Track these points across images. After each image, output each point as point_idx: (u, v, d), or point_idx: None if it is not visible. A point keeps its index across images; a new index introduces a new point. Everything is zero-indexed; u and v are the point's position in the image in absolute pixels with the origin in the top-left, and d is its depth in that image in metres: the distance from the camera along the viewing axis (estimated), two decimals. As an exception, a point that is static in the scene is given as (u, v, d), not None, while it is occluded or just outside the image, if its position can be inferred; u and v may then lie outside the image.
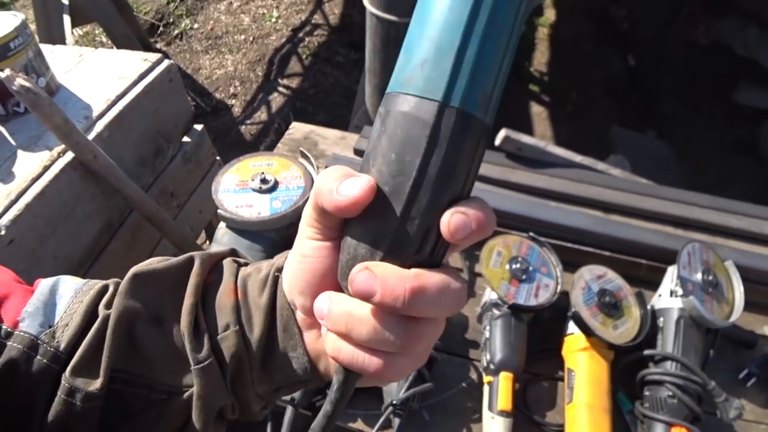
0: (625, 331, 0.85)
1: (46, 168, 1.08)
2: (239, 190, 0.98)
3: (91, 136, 1.15)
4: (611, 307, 0.85)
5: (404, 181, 0.28)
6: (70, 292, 0.37)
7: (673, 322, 0.86)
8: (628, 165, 1.52)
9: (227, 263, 0.38)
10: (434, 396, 0.83)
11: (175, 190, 1.41)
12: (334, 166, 0.30)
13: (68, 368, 0.33)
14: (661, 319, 0.87)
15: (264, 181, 0.97)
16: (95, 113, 1.21)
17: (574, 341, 0.85)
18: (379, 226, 0.29)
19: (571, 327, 0.86)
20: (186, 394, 0.34)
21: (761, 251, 1.12)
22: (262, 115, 2.69)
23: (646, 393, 0.84)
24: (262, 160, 1.03)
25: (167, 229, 1.26)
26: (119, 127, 1.22)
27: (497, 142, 1.13)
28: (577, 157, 1.14)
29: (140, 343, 0.34)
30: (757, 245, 1.13)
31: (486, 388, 0.82)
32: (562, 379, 0.87)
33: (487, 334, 0.84)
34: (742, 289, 0.91)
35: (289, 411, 0.81)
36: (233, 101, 2.77)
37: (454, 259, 1.00)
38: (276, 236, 0.93)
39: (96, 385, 0.33)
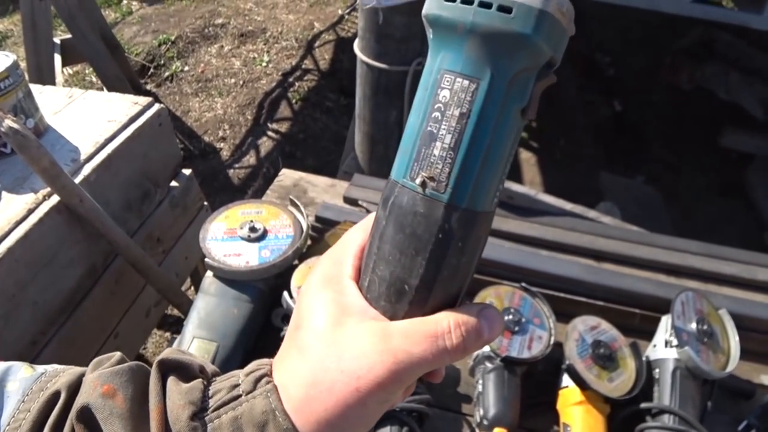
0: (620, 383, 0.84)
1: (31, 211, 1.07)
2: (227, 238, 0.97)
3: (78, 180, 1.15)
4: (606, 359, 0.85)
5: (410, 277, 0.30)
6: (18, 394, 0.33)
7: (669, 374, 0.85)
8: (618, 212, 1.54)
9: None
10: (427, 453, 0.81)
11: (162, 236, 1.40)
12: None
13: None
14: (657, 370, 0.87)
15: (253, 229, 0.97)
16: (83, 156, 1.21)
17: (569, 395, 0.84)
18: None
19: (566, 380, 0.85)
20: None
21: (754, 298, 1.13)
22: (250, 159, 2.71)
23: (645, 448, 0.82)
24: (251, 208, 1.04)
25: (152, 275, 1.24)
26: (107, 170, 1.23)
27: (488, 189, 1.14)
28: (568, 205, 1.16)
29: None
30: (750, 291, 1.14)
31: (480, 446, 0.80)
32: (558, 434, 0.86)
33: (480, 388, 0.83)
34: (737, 338, 0.92)
35: None
36: (222, 144, 2.80)
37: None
38: (264, 286, 0.93)
39: None
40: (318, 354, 0.31)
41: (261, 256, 0.94)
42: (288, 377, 0.31)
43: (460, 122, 0.29)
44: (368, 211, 1.12)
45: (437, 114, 0.30)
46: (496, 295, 0.90)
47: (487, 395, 0.81)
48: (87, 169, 1.18)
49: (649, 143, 2.72)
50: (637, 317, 0.98)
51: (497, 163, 0.30)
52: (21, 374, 0.34)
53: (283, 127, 2.88)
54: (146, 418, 0.31)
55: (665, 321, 0.91)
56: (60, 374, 0.34)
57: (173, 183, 1.46)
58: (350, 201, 1.15)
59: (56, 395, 0.33)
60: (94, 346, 1.25)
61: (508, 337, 0.85)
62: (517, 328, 0.86)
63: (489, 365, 0.84)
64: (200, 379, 0.33)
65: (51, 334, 1.14)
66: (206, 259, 0.93)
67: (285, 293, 0.88)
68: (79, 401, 0.31)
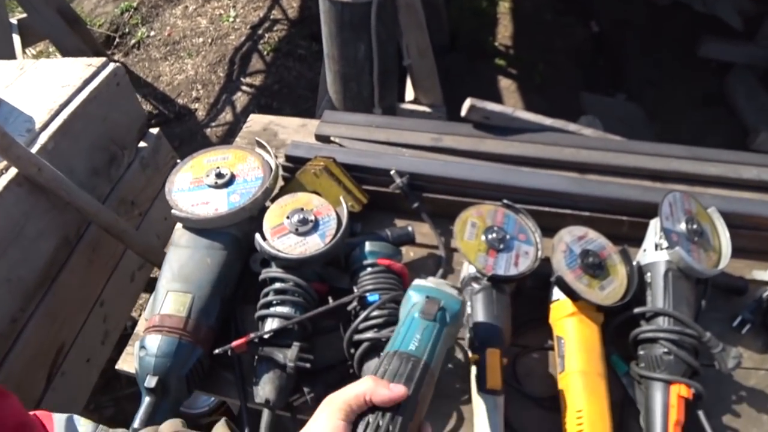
0: (612, 291, 0.80)
1: None
2: (194, 187, 0.91)
3: (34, 149, 1.07)
4: (595, 267, 0.80)
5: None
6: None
7: (661, 276, 0.81)
8: (600, 124, 1.47)
9: None
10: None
11: (136, 199, 1.33)
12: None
13: None
14: (649, 274, 0.82)
15: (219, 175, 0.91)
16: (38, 125, 1.13)
17: (560, 307, 0.80)
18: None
19: (556, 293, 0.81)
20: None
21: (741, 196, 1.08)
22: (227, 116, 2.60)
23: (641, 352, 0.79)
24: (217, 155, 0.96)
25: (129, 239, 1.18)
26: (65, 137, 1.15)
27: (463, 112, 1.07)
28: (547, 120, 1.09)
29: None
30: (737, 190, 1.10)
31: (473, 368, 0.76)
32: (552, 348, 0.82)
33: (468, 310, 0.79)
34: (728, 234, 0.87)
35: (265, 414, 0.75)
36: (197, 105, 2.68)
37: (430, 236, 0.95)
38: (237, 231, 0.87)
39: None
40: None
41: (230, 201, 0.88)
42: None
43: None
44: (341, 146, 1.05)
45: None
46: (477, 215, 0.84)
47: (476, 316, 0.77)
48: (43, 138, 1.11)
49: (629, 61, 2.62)
50: (625, 224, 0.93)
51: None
52: (82, 421, 0.43)
53: (257, 80, 2.75)
54: None
55: (654, 224, 0.86)
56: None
57: (141, 144, 1.38)
58: (322, 138, 1.08)
59: None
60: (80, 317, 1.20)
61: (494, 256, 0.81)
62: (501, 246, 0.81)
63: (476, 286, 0.79)
64: None
65: (31, 311, 1.09)
66: (173, 211, 0.87)
67: (257, 236, 0.82)
68: None
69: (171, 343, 0.75)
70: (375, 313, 0.75)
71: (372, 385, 0.47)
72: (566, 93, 2.36)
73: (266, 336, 0.77)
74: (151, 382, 0.71)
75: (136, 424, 0.68)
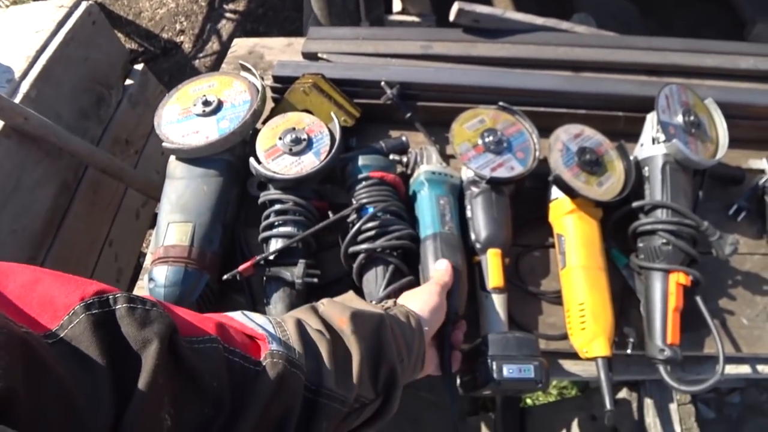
0: (610, 186, 0.79)
1: None
2: (183, 118, 0.87)
3: (17, 99, 1.03)
4: (593, 164, 0.79)
5: None
6: (268, 323, 0.44)
7: (659, 169, 0.79)
8: (593, 22, 1.39)
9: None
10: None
11: (129, 137, 1.30)
12: None
13: (331, 383, 0.42)
14: (646, 168, 0.81)
15: (206, 103, 0.87)
16: (17, 74, 1.08)
17: (559, 206, 0.79)
18: None
19: (555, 192, 0.79)
20: (371, 404, 0.47)
21: (738, 86, 1.04)
22: (213, 45, 2.49)
23: (640, 244, 0.79)
24: (202, 83, 0.92)
25: (127, 177, 1.16)
26: (47, 83, 1.10)
27: (451, 17, 1.01)
28: (539, 20, 1.03)
29: (362, 371, 0.46)
30: (734, 81, 1.06)
31: (476, 269, 0.76)
32: (553, 246, 0.82)
33: (468, 213, 0.78)
34: (725, 125, 0.85)
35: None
36: (182, 38, 2.56)
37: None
38: (231, 157, 0.84)
39: (352, 394, 0.44)
40: (413, 292, 0.66)
41: (220, 128, 0.84)
42: (405, 301, 0.63)
43: None
44: (328, 62, 1.00)
45: None
46: (491, 116, 0.82)
47: (477, 219, 0.76)
48: (25, 86, 1.06)
49: None
50: (622, 120, 0.90)
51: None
52: (254, 315, 0.45)
53: (241, 5, 2.61)
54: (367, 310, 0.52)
55: (651, 118, 0.84)
56: (279, 317, 0.47)
57: (127, 81, 1.33)
58: (309, 56, 1.03)
59: (299, 321, 0.45)
60: (91, 259, 1.21)
61: (479, 152, 0.79)
62: (493, 148, 0.79)
63: (475, 189, 0.78)
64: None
65: (41, 259, 1.09)
66: (164, 144, 0.84)
67: (252, 159, 0.80)
68: (346, 311, 0.49)
69: (177, 272, 0.74)
70: (369, 225, 0.74)
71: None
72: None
73: (272, 257, 0.76)
74: (163, 311, 0.72)
75: None
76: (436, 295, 0.63)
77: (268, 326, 0.42)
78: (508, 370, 0.63)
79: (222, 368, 0.35)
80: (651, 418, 0.83)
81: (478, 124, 0.82)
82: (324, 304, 0.51)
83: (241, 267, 0.74)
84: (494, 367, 0.63)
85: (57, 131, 1.05)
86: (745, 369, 0.82)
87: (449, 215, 0.77)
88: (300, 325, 0.44)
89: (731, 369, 0.81)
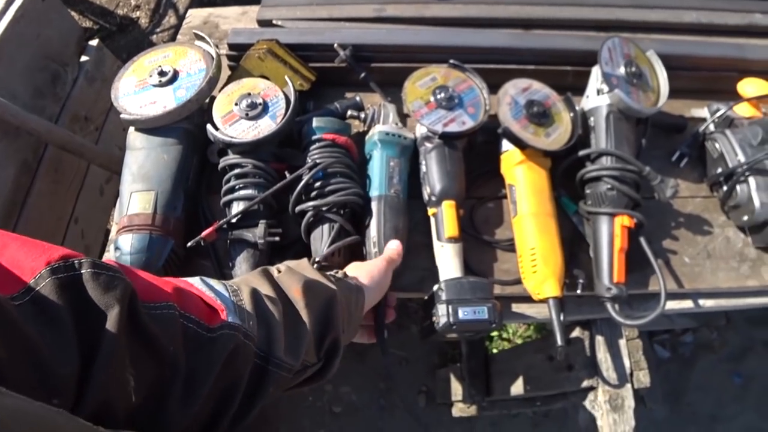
0: (557, 137, 0.81)
1: None
2: (140, 90, 0.86)
3: None
4: (540, 116, 0.81)
5: None
6: (224, 290, 0.44)
7: (603, 119, 0.82)
8: None
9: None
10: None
11: (89, 114, 1.27)
12: None
13: (281, 352, 0.43)
14: (592, 118, 0.83)
15: (162, 73, 0.85)
16: (-32, 54, 1.04)
17: (509, 157, 0.81)
18: None
19: (505, 144, 0.81)
20: (312, 367, 0.50)
21: (683, 39, 1.07)
22: (170, 19, 2.41)
23: (587, 191, 0.82)
24: (158, 54, 0.90)
25: (89, 154, 1.14)
26: (-1, 62, 1.06)
27: (403, -21, 1.01)
28: (490, -22, 1.03)
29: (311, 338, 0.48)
30: (678, 35, 1.08)
31: (432, 221, 0.78)
32: (505, 197, 0.84)
33: (423, 168, 0.80)
34: (665, 75, 0.87)
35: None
36: (138, 13, 2.47)
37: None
38: (189, 125, 0.84)
39: (298, 363, 0.45)
40: (360, 264, 0.68)
41: (177, 97, 0.83)
42: (353, 271, 0.64)
43: None
44: (283, 28, 0.99)
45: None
46: (443, 74, 0.83)
47: (431, 173, 0.78)
48: None
49: None
50: (570, 74, 0.92)
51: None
52: (212, 281, 0.45)
53: (196, -22, 2.53)
54: (321, 282, 0.54)
55: (595, 71, 0.86)
56: (235, 283, 0.47)
57: (83, 58, 1.29)
58: (264, 23, 1.02)
59: (254, 290, 0.46)
60: (57, 237, 1.19)
61: (431, 109, 0.80)
62: (445, 104, 0.80)
63: (429, 145, 0.79)
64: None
65: (6, 238, 1.07)
66: (122, 116, 0.83)
67: (209, 126, 0.80)
68: (299, 281, 0.50)
69: (142, 239, 0.75)
70: (316, 184, 0.76)
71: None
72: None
73: (234, 220, 0.77)
74: (129, 276, 0.72)
75: None
76: (383, 271, 0.66)
77: (225, 294, 0.43)
78: (463, 313, 0.65)
79: (177, 333, 0.36)
80: (602, 354, 0.87)
81: (429, 82, 0.83)
82: (280, 271, 0.52)
83: (204, 233, 0.75)
84: (450, 310, 0.65)
85: (13, 110, 1.02)
86: (687, 303, 0.86)
87: (397, 178, 0.78)
88: (255, 294, 0.45)
89: (675, 304, 0.86)
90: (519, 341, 1.45)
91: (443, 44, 0.90)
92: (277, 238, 0.75)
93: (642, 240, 0.79)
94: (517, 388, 1.05)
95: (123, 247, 0.75)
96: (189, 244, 0.76)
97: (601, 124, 0.81)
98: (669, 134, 0.94)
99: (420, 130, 0.82)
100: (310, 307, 0.48)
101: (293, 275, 0.51)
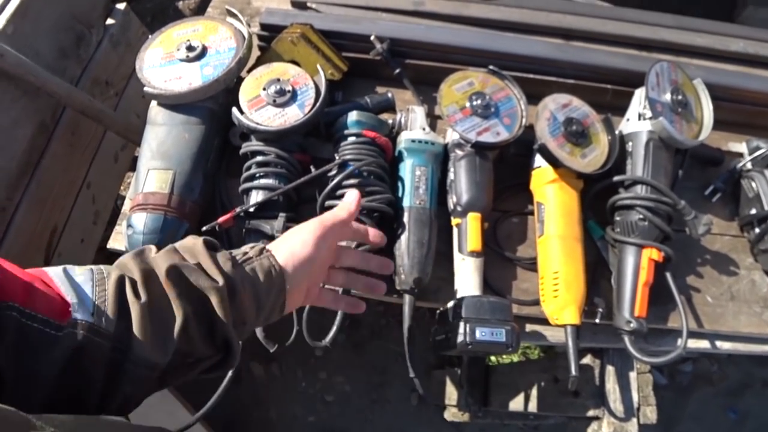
0: (593, 158, 0.77)
1: None
2: (166, 63, 0.82)
3: None
4: (578, 135, 0.76)
5: None
6: (89, 281, 0.40)
7: (643, 146, 0.77)
8: None
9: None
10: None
11: (110, 78, 1.22)
12: None
13: (138, 348, 0.39)
14: (630, 143, 0.79)
15: (190, 48, 0.81)
16: (-7, 9, 1.00)
17: (542, 174, 0.77)
18: None
19: (538, 160, 0.77)
20: (208, 360, 0.45)
21: (726, 68, 1.02)
22: (199, -13, 2.36)
23: (617, 218, 0.78)
24: (187, 27, 0.86)
25: (106, 120, 1.10)
26: (25, 19, 1.02)
27: (447, -25, 0.96)
28: (535, -16, 0.99)
29: (187, 332, 0.42)
30: (722, 62, 1.03)
31: (455, 231, 0.75)
32: (531, 213, 0.81)
33: (451, 176, 0.76)
34: (711, 107, 0.83)
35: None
36: (165, -23, 2.42)
37: (412, 104, 0.88)
38: (213, 105, 0.80)
39: (165, 360, 0.41)
40: (288, 235, 0.53)
41: (203, 74, 0.79)
42: (277, 251, 0.50)
43: None
44: (318, 12, 0.95)
45: None
46: (463, 80, 0.78)
47: (459, 182, 0.74)
48: (1, 22, 0.98)
49: None
50: (609, 93, 0.88)
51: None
52: (77, 270, 0.41)
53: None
54: (205, 271, 0.44)
55: (639, 94, 0.81)
56: (107, 269, 0.42)
57: (109, 21, 1.24)
58: (298, 5, 0.97)
59: (121, 278, 0.41)
60: (68, 200, 1.15)
61: (466, 115, 0.76)
62: (480, 112, 0.76)
63: (459, 152, 0.75)
64: (225, 250, 0.48)
65: (18, 199, 1.04)
66: (145, 89, 0.79)
67: (234, 110, 0.76)
68: (163, 266, 0.42)
69: (156, 220, 0.71)
70: (349, 181, 0.72)
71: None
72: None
73: (252, 209, 0.73)
74: (141, 258, 0.69)
75: None
76: (309, 245, 0.51)
77: (86, 286, 0.39)
78: (481, 333, 0.62)
79: (8, 334, 0.34)
80: (611, 384, 0.84)
81: (467, 87, 0.79)
82: (160, 257, 0.44)
83: (221, 219, 0.72)
84: (467, 329, 0.62)
85: (35, 70, 0.98)
86: (704, 344, 0.83)
87: (423, 187, 0.75)
88: (120, 285, 0.40)
89: (692, 343, 0.82)
90: (516, 358, 1.42)
91: (482, 48, 0.85)
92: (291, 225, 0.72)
93: (668, 275, 0.75)
94: (517, 403, 1.02)
95: (136, 225, 0.71)
96: (204, 228, 0.72)
97: (640, 151, 0.77)
98: (704, 166, 0.90)
99: (451, 136, 0.78)
100: (183, 298, 0.42)
101: (167, 259, 0.43)
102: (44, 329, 0.35)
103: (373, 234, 0.57)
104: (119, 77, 1.26)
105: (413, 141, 0.76)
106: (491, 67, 0.80)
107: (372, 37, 0.85)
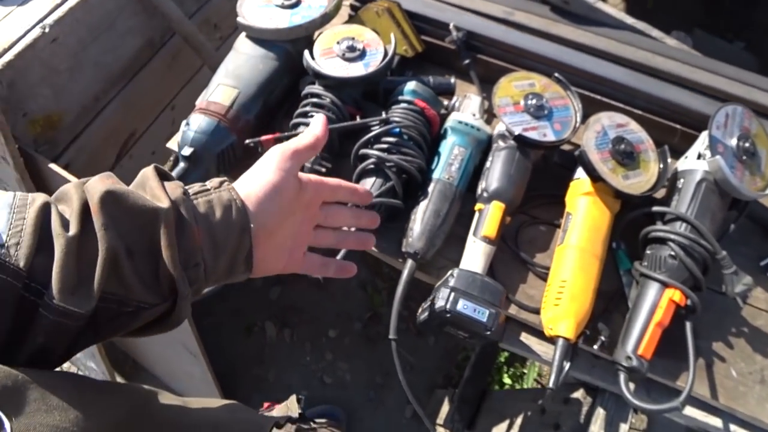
0: (636, 182, 0.74)
1: None
2: (263, 5, 0.91)
3: None
4: (626, 156, 0.74)
5: None
6: (5, 207, 0.34)
7: (694, 184, 0.73)
8: (690, 42, 1.30)
9: (182, 202, 0.40)
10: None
11: (219, 23, 1.35)
12: None
13: (55, 292, 0.33)
14: (682, 180, 0.75)
15: (288, -4, 0.90)
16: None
17: (578, 185, 0.75)
18: None
19: (579, 172, 0.76)
20: (152, 309, 0.38)
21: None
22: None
23: (648, 251, 0.73)
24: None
25: (206, 54, 1.21)
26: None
27: (545, -8, 0.98)
28: (629, 19, 0.98)
29: (121, 272, 0.36)
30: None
31: (476, 216, 0.75)
32: (560, 225, 0.79)
33: (488, 164, 0.76)
34: (783, 166, 0.77)
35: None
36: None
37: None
38: (291, 48, 0.86)
39: (88, 307, 0.34)
40: (250, 170, 0.47)
41: (291, 20, 0.87)
42: (238, 184, 0.45)
43: None
44: None
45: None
46: (525, 79, 0.80)
47: (492, 170, 0.74)
48: None
49: (758, 7, 2.25)
50: (678, 134, 0.84)
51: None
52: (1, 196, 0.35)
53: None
54: (149, 196, 0.39)
55: (704, 134, 0.77)
56: (33, 196, 0.36)
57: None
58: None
59: (46, 206, 0.35)
60: (152, 113, 1.28)
61: (518, 110, 0.76)
62: (533, 111, 0.76)
63: (501, 143, 0.76)
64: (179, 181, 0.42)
65: (113, 95, 1.17)
66: (238, 19, 0.87)
67: (306, 53, 0.82)
68: (97, 191, 0.36)
69: (210, 124, 0.78)
70: (389, 138, 0.75)
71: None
72: (677, 25, 2.07)
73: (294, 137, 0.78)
74: (187, 151, 0.76)
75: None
76: (272, 173, 0.45)
77: (2, 211, 0.34)
78: (463, 305, 0.61)
79: None
80: (596, 428, 0.79)
81: (526, 86, 0.80)
82: (96, 181, 0.38)
83: (263, 137, 0.77)
84: (451, 297, 0.62)
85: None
86: (715, 422, 0.75)
87: (456, 165, 0.76)
88: (44, 213, 0.35)
89: (701, 416, 0.75)
90: (507, 379, 1.36)
91: (556, 58, 0.86)
92: (323, 169, 0.76)
93: (687, 326, 0.70)
94: (499, 430, 0.98)
95: (192, 124, 0.79)
96: (247, 141, 0.78)
97: (690, 189, 0.73)
98: (765, 234, 0.84)
99: (499, 128, 0.79)
100: (111, 229, 0.35)
101: (105, 184, 0.37)
102: None
103: (363, 191, 0.53)
104: (228, 25, 1.39)
105: (460, 122, 0.78)
106: (557, 74, 0.81)
107: (451, 25, 0.89)
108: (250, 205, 0.43)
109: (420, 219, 0.72)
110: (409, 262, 0.72)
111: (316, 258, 0.52)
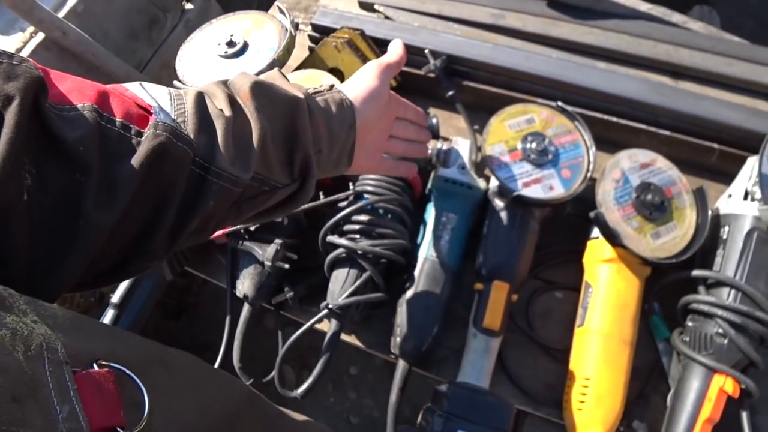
0: (669, 241, 0.60)
1: (19, 50, 0.95)
2: (205, 56, 0.78)
3: (62, 12, 0.98)
4: (654, 207, 0.60)
5: None
6: (165, 93, 0.39)
7: (743, 235, 0.58)
8: (717, 19, 1.10)
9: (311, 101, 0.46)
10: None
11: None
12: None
13: (222, 161, 0.38)
14: (726, 228, 0.60)
15: (231, 44, 0.75)
16: (66, -14, 1.03)
17: (597, 247, 0.61)
18: None
19: (597, 230, 0.62)
20: (285, 188, 0.44)
21: None
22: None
23: (689, 323, 0.59)
24: (237, 20, 0.81)
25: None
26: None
27: (538, -15, 0.82)
28: (643, 6, 0.81)
29: (266, 152, 0.41)
30: None
31: (476, 297, 0.62)
32: (579, 289, 0.65)
33: (485, 230, 0.63)
34: None
35: (245, 309, 0.68)
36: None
37: (463, 132, 0.76)
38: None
39: (248, 176, 0.39)
40: (352, 78, 0.54)
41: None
42: (344, 87, 0.52)
43: None
44: (387, 17, 0.85)
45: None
46: (521, 114, 0.65)
47: (489, 240, 0.61)
48: (71, 1, 1.01)
49: None
50: (716, 153, 0.69)
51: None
52: (154, 85, 0.39)
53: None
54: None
55: (752, 163, 0.62)
56: (184, 89, 0.41)
57: (188, 6, 1.25)
58: (366, 6, 0.88)
59: (200, 94, 0.40)
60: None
61: (514, 160, 0.62)
62: (533, 158, 0.62)
63: (499, 203, 0.62)
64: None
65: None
66: (174, 83, 0.75)
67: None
68: (245, 83, 0.42)
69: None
70: (359, 218, 0.62)
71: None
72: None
73: (252, 228, 0.67)
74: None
75: None
76: (375, 79, 0.53)
77: (163, 97, 0.38)
78: (463, 438, 0.50)
79: (92, 135, 0.33)
80: None
81: (524, 124, 0.65)
82: (240, 78, 0.44)
83: (214, 235, 0.66)
84: (445, 427, 0.51)
85: (95, 49, 0.99)
86: None
87: (447, 236, 0.63)
88: (200, 99, 0.39)
89: None
90: None
91: (557, 78, 0.70)
92: (286, 266, 0.64)
93: (744, 417, 0.57)
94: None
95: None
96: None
97: (738, 241, 0.58)
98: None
99: (495, 182, 0.65)
100: (262, 113, 0.41)
101: (245, 78, 0.43)
102: (124, 134, 0.34)
103: (421, 112, 0.60)
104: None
105: (446, 180, 0.65)
106: (559, 103, 0.66)
107: (426, 51, 0.74)
108: (356, 104, 0.49)
109: (406, 314, 0.60)
110: (401, 364, 0.61)
111: (390, 161, 0.58)
